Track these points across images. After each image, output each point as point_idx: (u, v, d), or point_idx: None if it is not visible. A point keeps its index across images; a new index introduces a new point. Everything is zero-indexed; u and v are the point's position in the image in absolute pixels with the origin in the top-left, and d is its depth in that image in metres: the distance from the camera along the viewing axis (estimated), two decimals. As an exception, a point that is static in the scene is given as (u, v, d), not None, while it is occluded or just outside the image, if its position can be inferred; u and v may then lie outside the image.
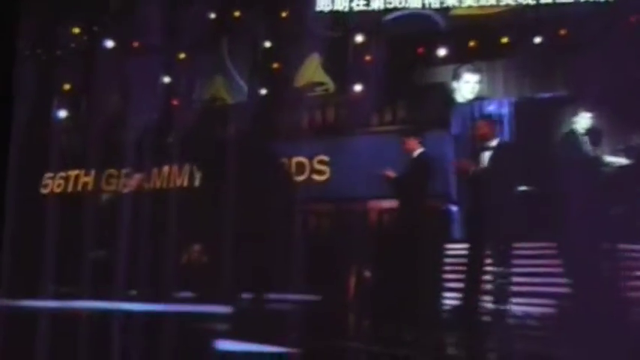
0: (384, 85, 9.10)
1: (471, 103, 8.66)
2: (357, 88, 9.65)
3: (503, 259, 5.59)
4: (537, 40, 9.31)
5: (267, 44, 10.60)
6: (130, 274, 7.00)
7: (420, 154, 6.34)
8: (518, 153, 5.72)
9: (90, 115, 9.64)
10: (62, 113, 10.01)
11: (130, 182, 7.86)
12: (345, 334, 6.59)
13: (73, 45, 10.10)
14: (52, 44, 10.05)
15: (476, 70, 9.87)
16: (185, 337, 6.06)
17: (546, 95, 7.26)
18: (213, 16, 10.57)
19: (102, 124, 8.90)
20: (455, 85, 9.27)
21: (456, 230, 7.43)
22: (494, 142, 5.76)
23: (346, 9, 10.42)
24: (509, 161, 5.45)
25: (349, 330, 6.76)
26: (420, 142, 6.37)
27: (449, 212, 7.21)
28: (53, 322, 6.71)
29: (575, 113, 5.95)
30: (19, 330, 6.49)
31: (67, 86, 9.93)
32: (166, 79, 10.39)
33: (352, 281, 7.00)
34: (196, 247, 7.61)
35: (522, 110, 7.66)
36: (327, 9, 10.44)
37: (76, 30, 10.23)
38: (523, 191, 5.79)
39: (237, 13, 10.59)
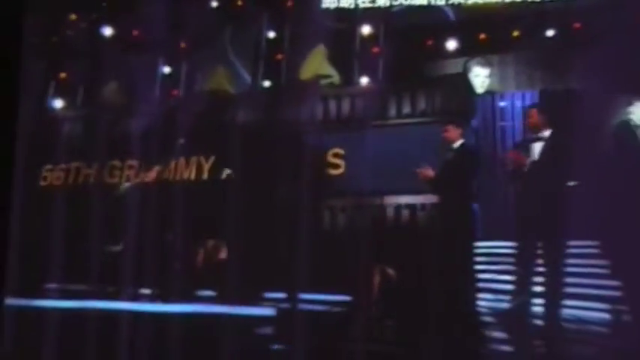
0: (396, 77, 8.89)
1: (488, 95, 8.47)
2: (366, 80, 9.44)
3: (555, 258, 5.32)
4: (550, 33, 9.19)
5: (271, 35, 10.35)
6: (145, 272, 6.70)
7: (462, 145, 6.09)
8: (571, 145, 5.44)
9: (91, 107, 9.26)
10: (64, 105, 9.64)
11: (149, 174, 7.52)
12: (366, 335, 6.36)
13: (71, 33, 9.75)
14: (55, 35, 9.69)
15: (486, 64, 9.70)
16: (212, 339, 5.79)
17: (597, 84, 7.05)
18: (215, 4, 10.29)
19: (104, 115, 8.54)
20: (465, 78, 9.08)
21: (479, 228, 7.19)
22: (545, 133, 5.50)
23: (352, 6, 10.22)
24: (563, 154, 5.19)
25: (370, 331, 6.52)
26: (462, 133, 6.12)
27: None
28: (62, 321, 6.42)
29: (629, 103, 5.72)
30: (27, 329, 6.18)
31: (69, 78, 9.58)
32: (167, 70, 10.08)
33: (376, 280, 6.74)
34: (216, 243, 7.30)
35: (572, 100, 7.42)
36: (332, 6, 10.25)
37: (77, 20, 9.88)
38: (575, 186, 5.51)
39: (239, 2, 10.30)
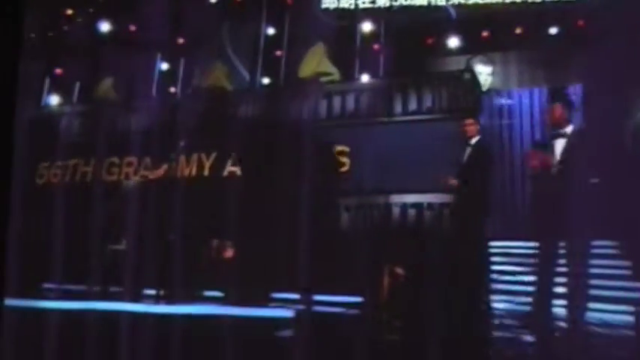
0: (398, 74, 8.78)
1: (491, 92, 8.38)
2: (367, 77, 9.33)
3: (579, 259, 5.17)
4: (553, 31, 9.14)
5: (270, 31, 10.21)
6: (148, 272, 6.52)
7: (479, 141, 5.95)
8: (593, 142, 5.28)
9: (88, 103, 9.07)
10: (60, 101, 9.45)
11: (155, 172, 7.33)
12: (373, 336, 6.23)
13: (68, 29, 9.58)
14: (52, 31, 9.51)
15: (488, 62, 9.64)
16: (217, 341, 5.63)
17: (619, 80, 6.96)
18: (213, 0, 10.14)
19: (102, 112, 8.34)
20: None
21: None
22: (568, 129, 5.35)
23: (352, 6, 10.12)
24: (585, 151, 5.04)
25: (378, 332, 6.39)
26: (479, 129, 5.99)
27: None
28: (63, 323, 6.23)
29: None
30: (28, 330, 5.98)
31: (65, 74, 9.40)
32: (165, 66, 9.94)
33: (384, 280, 6.59)
34: (220, 243, 7.13)
35: (593, 96, 7.33)
36: (332, 6, 10.14)
37: (74, 15, 9.73)
38: (598, 184, 5.34)
39: (238, -2, 10.18)
